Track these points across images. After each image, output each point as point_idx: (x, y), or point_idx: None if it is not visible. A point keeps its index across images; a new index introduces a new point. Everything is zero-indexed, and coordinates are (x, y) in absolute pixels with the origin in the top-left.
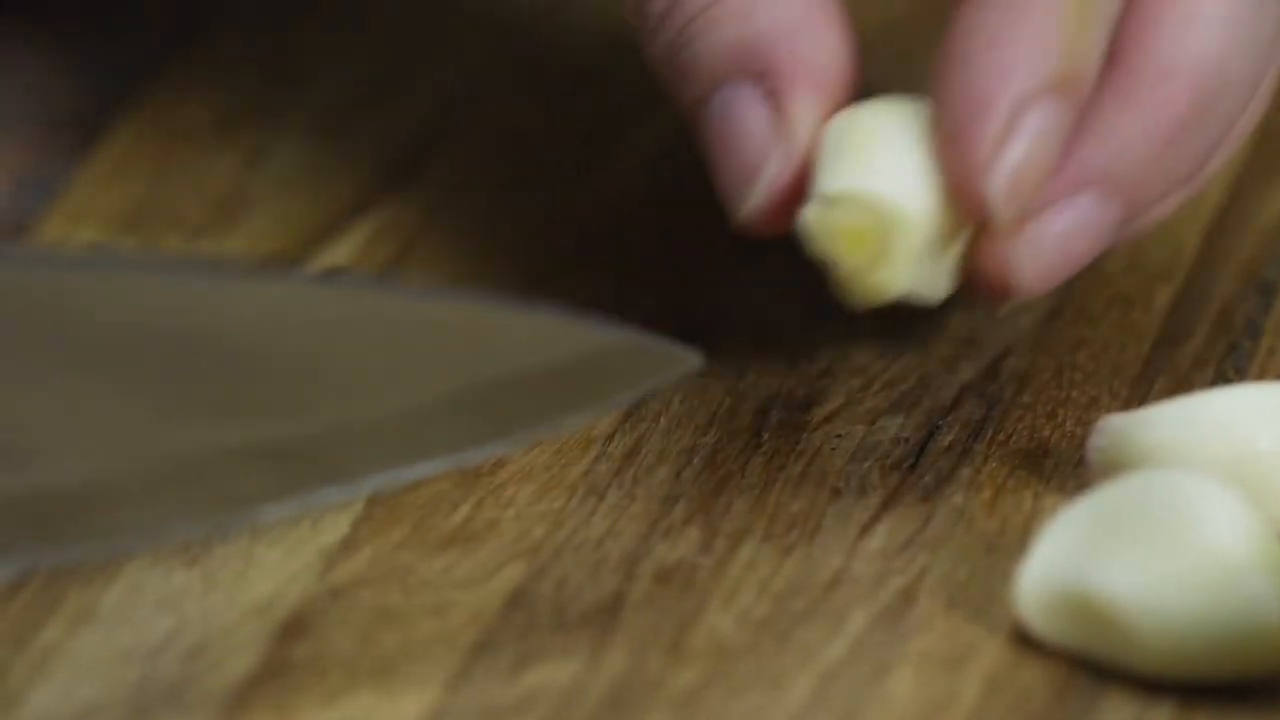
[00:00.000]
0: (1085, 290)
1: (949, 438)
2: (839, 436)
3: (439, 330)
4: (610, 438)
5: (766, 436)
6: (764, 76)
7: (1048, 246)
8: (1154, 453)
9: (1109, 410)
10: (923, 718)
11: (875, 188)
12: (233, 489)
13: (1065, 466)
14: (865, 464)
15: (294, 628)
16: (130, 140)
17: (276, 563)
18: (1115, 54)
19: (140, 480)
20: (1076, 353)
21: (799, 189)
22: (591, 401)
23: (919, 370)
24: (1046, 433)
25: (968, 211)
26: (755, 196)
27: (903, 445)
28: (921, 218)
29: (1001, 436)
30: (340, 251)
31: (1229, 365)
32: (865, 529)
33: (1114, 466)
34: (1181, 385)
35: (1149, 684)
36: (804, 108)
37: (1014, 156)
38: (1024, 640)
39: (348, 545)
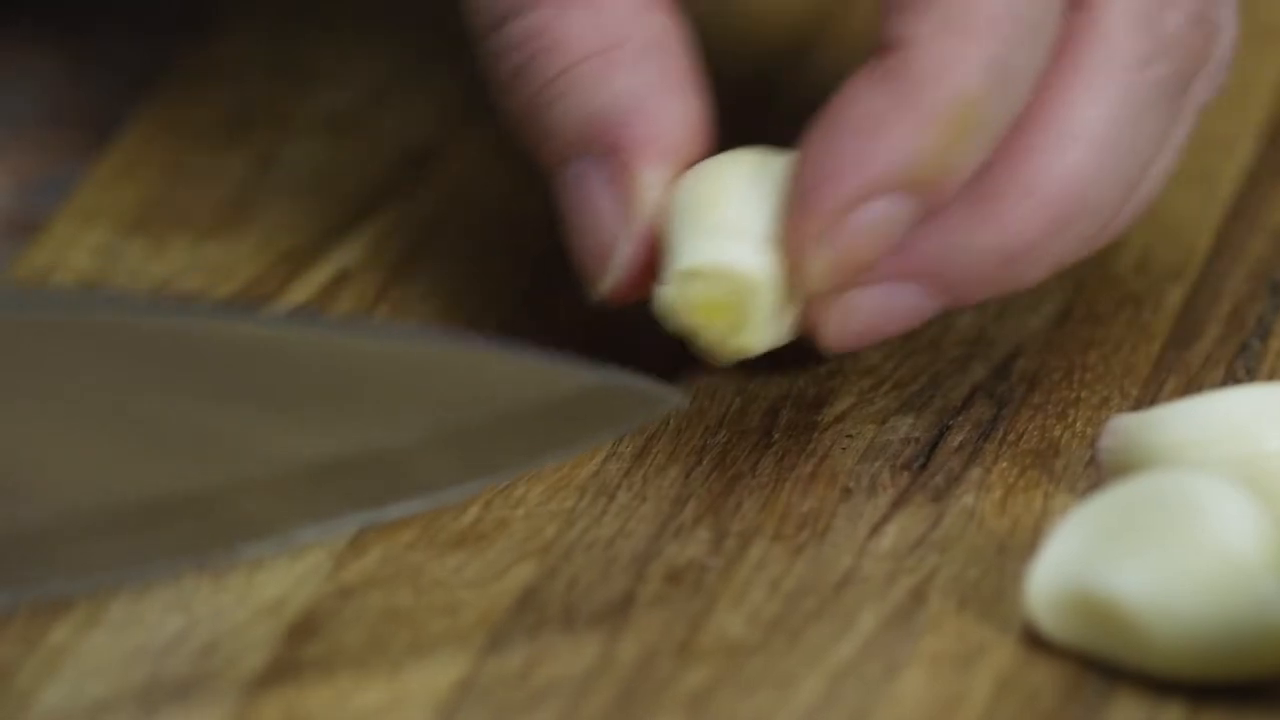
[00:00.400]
0: (1096, 290)
1: (959, 438)
2: (849, 436)
3: (418, 371)
4: (620, 438)
5: (777, 436)
6: (612, 152)
7: (858, 318)
8: (1165, 453)
9: (1120, 410)
10: (933, 718)
11: (728, 259)
12: (210, 528)
13: (1076, 467)
14: (875, 464)
15: (304, 628)
16: (140, 141)
17: (286, 563)
18: (987, 162)
19: (117, 517)
20: (1087, 353)
21: (651, 260)
22: (572, 442)
23: (929, 370)
24: (1057, 433)
25: (787, 270)
26: (609, 276)
27: (913, 445)
28: (775, 279)
29: (1012, 437)
30: (350, 252)
31: (1240, 365)
32: (876, 529)
33: (1125, 466)
34: (1192, 385)
35: (1159, 684)
36: (652, 184)
37: (843, 237)
38: (1034, 640)
39: (357, 545)
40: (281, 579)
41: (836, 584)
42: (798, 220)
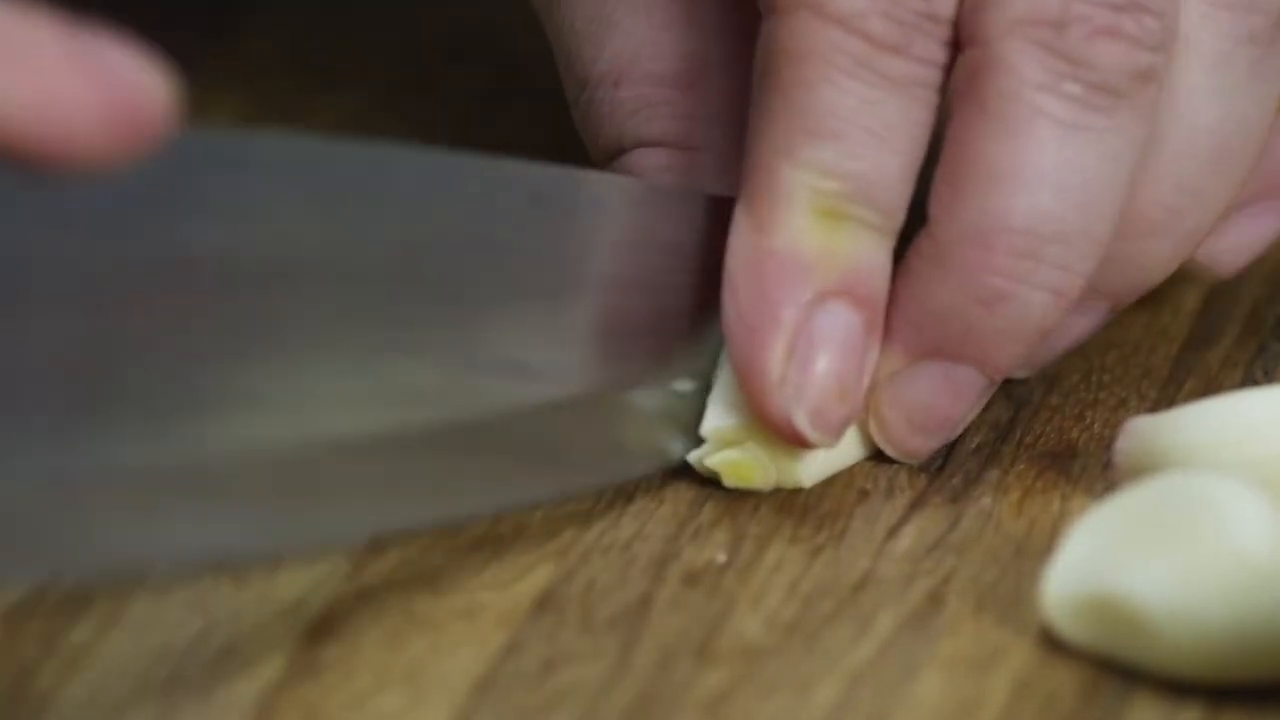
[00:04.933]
0: None
1: (977, 439)
2: None
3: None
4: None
5: None
6: None
7: (899, 417)
8: (1182, 454)
9: (1137, 412)
10: (951, 719)
11: (723, 420)
12: None
13: (1093, 468)
14: (893, 465)
15: (323, 629)
16: None
17: (305, 565)
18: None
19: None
20: (1105, 354)
21: None
22: None
23: None
24: (1074, 434)
25: (788, 441)
26: None
27: None
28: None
29: (1029, 438)
30: None
31: (1258, 367)
32: (893, 531)
33: (1142, 468)
34: (1210, 387)
35: (1177, 686)
36: None
37: (807, 383)
38: (1052, 642)
39: (376, 547)
40: (300, 580)
41: (854, 586)
42: (755, 394)
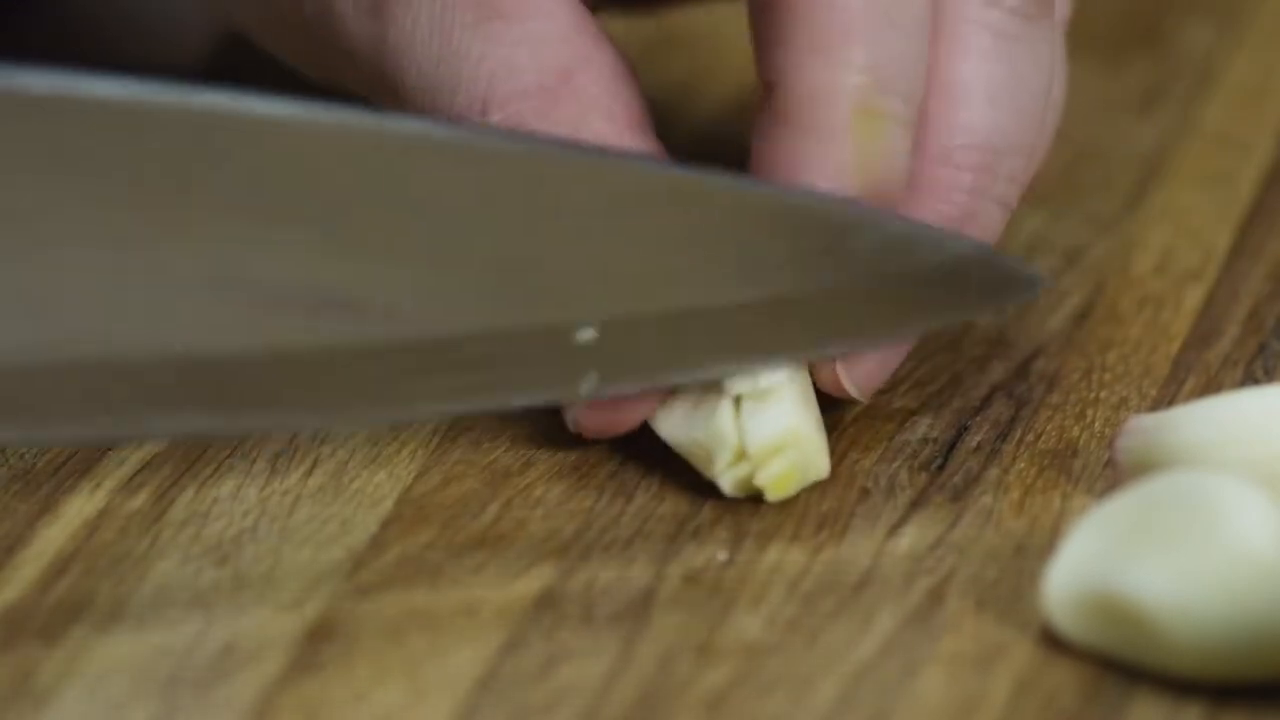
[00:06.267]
0: (1115, 291)
1: (978, 438)
2: (868, 436)
3: (782, 227)
4: (638, 438)
5: None
6: None
7: (865, 361)
8: (1183, 453)
9: (1138, 410)
10: (952, 718)
11: (794, 423)
12: (564, 366)
13: (1094, 467)
14: (894, 464)
15: (323, 627)
16: None
17: (306, 562)
18: None
19: (468, 349)
20: (1106, 353)
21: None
22: (934, 315)
23: (949, 370)
24: (1075, 433)
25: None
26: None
27: (931, 445)
28: (815, 420)
29: (1030, 437)
30: None
31: (1258, 366)
32: (894, 529)
33: (1143, 467)
34: (1211, 385)
35: (1178, 685)
36: None
37: None
38: (1053, 641)
39: (376, 545)
40: (301, 577)
41: (855, 584)
42: None
